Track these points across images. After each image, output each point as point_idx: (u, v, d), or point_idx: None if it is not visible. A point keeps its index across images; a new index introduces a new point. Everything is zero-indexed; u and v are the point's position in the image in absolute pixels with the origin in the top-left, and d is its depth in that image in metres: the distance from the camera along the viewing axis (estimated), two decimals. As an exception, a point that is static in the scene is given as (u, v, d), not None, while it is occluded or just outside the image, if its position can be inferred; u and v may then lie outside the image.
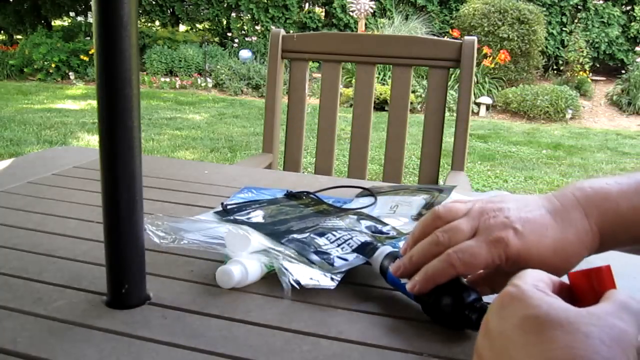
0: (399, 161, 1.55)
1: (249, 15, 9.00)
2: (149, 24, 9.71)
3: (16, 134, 4.89)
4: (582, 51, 7.69)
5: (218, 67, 7.85)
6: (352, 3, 7.47)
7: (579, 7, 8.35)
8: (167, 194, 0.99)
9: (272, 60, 1.63)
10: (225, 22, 9.35)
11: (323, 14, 9.27)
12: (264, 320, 0.58)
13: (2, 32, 10.14)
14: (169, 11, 9.62)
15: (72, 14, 9.82)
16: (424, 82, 6.31)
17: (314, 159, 1.65)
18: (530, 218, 0.52)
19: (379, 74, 6.65)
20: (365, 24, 7.75)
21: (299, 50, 1.62)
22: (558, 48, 8.33)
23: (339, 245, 0.70)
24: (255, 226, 0.76)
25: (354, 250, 0.69)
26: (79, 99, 6.83)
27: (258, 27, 8.98)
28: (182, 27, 9.77)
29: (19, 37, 9.73)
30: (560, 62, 8.26)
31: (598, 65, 8.27)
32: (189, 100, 6.94)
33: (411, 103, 4.36)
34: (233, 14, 9.24)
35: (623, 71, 7.81)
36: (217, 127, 5.54)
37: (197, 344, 0.53)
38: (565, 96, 6.68)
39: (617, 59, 8.31)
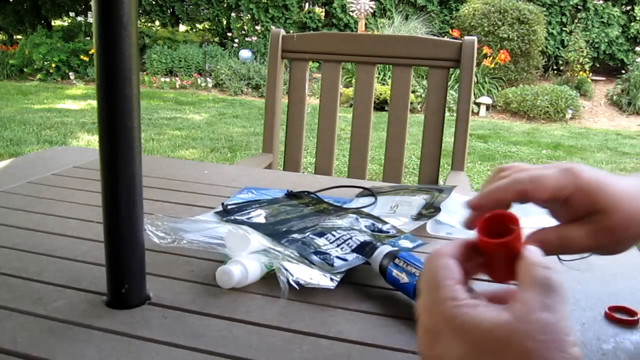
0: (399, 161, 1.55)
1: (249, 15, 9.00)
2: (149, 24, 9.70)
3: (16, 134, 4.88)
4: (582, 51, 7.69)
5: (218, 67, 7.85)
6: (352, 3, 7.46)
7: (579, 7, 8.35)
8: (167, 194, 0.99)
9: (272, 60, 1.63)
10: (225, 22, 9.35)
11: (323, 14, 9.27)
12: (263, 320, 0.58)
13: (2, 32, 10.14)
14: (169, 11, 9.62)
15: (72, 14, 9.81)
16: (424, 82, 6.31)
17: (314, 159, 1.65)
18: (601, 172, 0.49)
19: (379, 74, 6.65)
20: (365, 24, 7.74)
21: (299, 50, 1.62)
22: (558, 48, 8.34)
23: (338, 246, 0.71)
24: (256, 226, 0.76)
25: (353, 250, 0.69)
26: (79, 99, 6.83)
27: (258, 27, 8.98)
28: (182, 27, 9.77)
29: (19, 37, 9.73)
30: (560, 62, 8.27)
31: (598, 65, 8.27)
32: (189, 100, 6.94)
33: (411, 103, 4.35)
34: (233, 14, 9.23)
35: (623, 71, 7.82)
36: (217, 127, 5.54)
37: (197, 344, 0.53)
38: (565, 96, 6.68)
39: (617, 59, 8.32)
